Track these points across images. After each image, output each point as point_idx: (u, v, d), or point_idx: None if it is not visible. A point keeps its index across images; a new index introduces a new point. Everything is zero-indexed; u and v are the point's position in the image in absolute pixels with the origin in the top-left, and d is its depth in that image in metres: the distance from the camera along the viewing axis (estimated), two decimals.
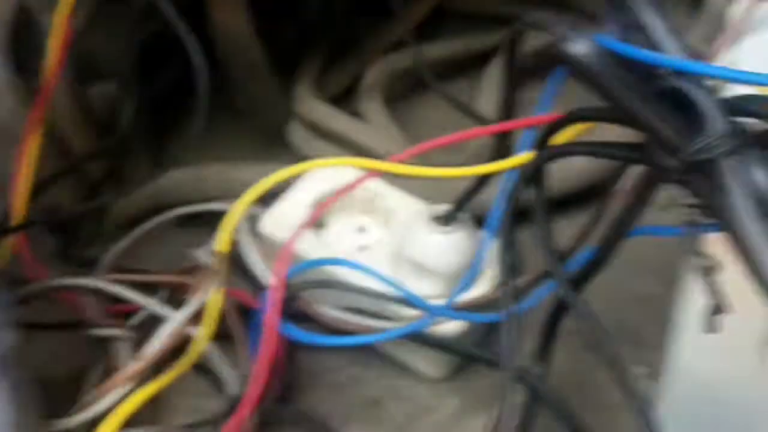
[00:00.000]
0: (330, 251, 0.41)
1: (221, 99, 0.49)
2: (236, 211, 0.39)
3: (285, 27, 0.59)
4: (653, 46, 0.23)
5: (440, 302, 0.37)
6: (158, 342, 0.35)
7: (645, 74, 0.23)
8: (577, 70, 0.22)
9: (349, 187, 0.41)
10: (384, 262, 0.41)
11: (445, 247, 0.38)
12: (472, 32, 0.68)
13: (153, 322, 0.38)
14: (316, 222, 0.43)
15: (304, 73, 0.59)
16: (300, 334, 0.35)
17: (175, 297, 0.39)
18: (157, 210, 0.50)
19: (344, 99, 0.59)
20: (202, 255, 0.40)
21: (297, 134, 0.56)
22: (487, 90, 0.60)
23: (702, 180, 0.21)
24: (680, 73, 0.22)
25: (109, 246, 0.46)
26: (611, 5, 0.24)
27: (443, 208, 0.39)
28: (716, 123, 0.21)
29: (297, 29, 0.60)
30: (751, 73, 0.21)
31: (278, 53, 0.57)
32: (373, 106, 0.57)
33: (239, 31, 0.53)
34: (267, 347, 0.33)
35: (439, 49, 0.65)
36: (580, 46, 0.22)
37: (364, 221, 0.45)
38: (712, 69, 0.21)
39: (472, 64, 0.64)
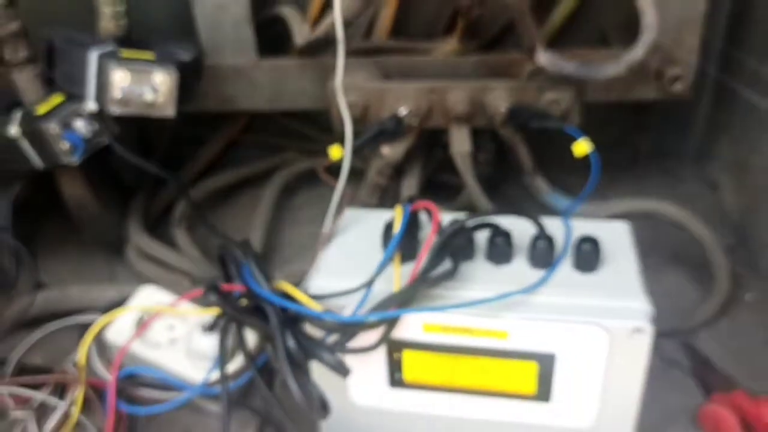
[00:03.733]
0: (152, 347, 0.71)
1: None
2: (89, 334, 0.68)
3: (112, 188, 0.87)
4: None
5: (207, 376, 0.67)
6: (54, 421, 0.64)
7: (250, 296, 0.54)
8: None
9: (166, 306, 0.71)
10: (182, 351, 0.71)
11: (208, 342, 0.68)
12: (254, 160, 1.00)
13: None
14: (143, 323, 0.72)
15: (132, 210, 0.88)
16: (127, 407, 0.65)
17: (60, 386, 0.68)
18: (36, 319, 0.77)
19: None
20: (72, 359, 0.69)
21: (131, 256, 0.85)
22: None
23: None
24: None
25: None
26: None
27: (209, 317, 0.69)
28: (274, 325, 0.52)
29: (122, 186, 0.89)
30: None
31: (114, 200, 0.86)
32: (180, 234, 0.86)
33: (80, 194, 0.81)
34: (110, 417, 0.62)
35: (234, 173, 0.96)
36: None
37: (173, 321, 0.74)
38: (271, 297, 0.53)
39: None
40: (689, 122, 0.98)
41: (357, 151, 0.76)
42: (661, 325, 0.75)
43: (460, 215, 0.60)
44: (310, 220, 0.95)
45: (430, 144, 0.84)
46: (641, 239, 0.83)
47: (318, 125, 0.98)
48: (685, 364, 0.72)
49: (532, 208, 0.83)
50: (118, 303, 0.75)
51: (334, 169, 0.75)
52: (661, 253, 0.84)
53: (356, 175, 0.84)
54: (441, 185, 0.90)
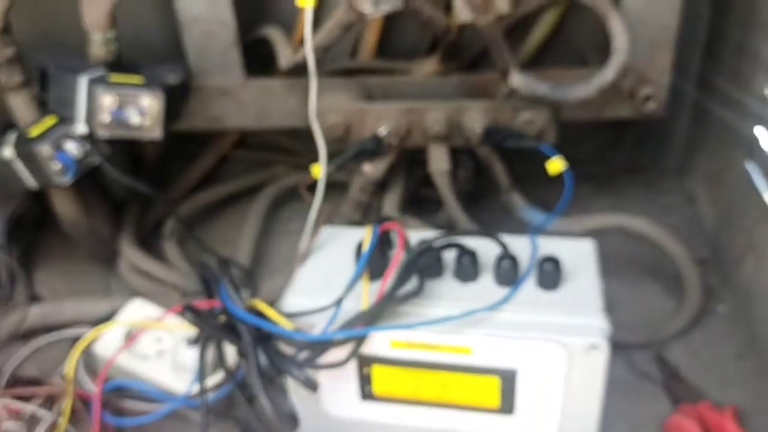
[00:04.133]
0: (140, 359, 0.74)
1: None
2: (77, 348, 0.71)
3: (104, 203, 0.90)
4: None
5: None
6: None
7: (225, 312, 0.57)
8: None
9: (153, 320, 0.73)
10: (169, 363, 0.74)
11: (192, 355, 0.71)
12: (245, 174, 1.03)
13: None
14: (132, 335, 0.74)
15: (124, 225, 0.91)
16: (113, 419, 0.68)
17: (51, 398, 0.71)
18: (31, 332, 0.80)
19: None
20: (61, 372, 0.72)
21: (123, 270, 0.88)
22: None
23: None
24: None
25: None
26: None
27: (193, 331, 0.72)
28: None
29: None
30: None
31: (106, 215, 0.90)
32: (170, 248, 0.89)
33: (72, 212, 0.84)
34: (95, 429, 0.65)
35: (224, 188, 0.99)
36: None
37: (161, 333, 0.77)
38: (244, 316, 0.56)
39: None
40: (670, 137, 1.00)
41: (338, 170, 0.79)
42: (634, 337, 0.78)
43: (430, 234, 0.62)
44: (298, 231, 0.96)
45: (412, 161, 0.87)
46: (619, 253, 0.86)
47: (307, 140, 1.00)
48: (656, 375, 0.74)
49: (509, 224, 0.85)
50: (110, 316, 0.78)
51: (313, 185, 0.78)
52: (639, 266, 0.86)
53: (341, 189, 0.87)
54: (424, 200, 0.92)
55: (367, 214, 0.85)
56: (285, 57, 0.82)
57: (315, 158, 0.80)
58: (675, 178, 1.03)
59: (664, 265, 0.82)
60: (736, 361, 0.75)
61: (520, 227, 0.84)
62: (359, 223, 0.84)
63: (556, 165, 0.73)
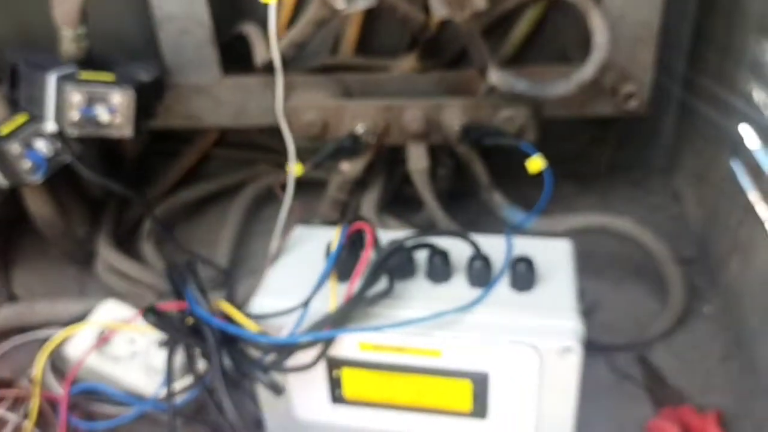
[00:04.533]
0: (112, 361, 0.72)
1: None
2: (45, 349, 0.69)
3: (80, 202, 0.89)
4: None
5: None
6: None
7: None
8: None
9: (125, 322, 0.72)
10: (141, 364, 0.72)
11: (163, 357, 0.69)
12: (225, 173, 1.01)
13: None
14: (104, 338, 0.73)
15: (102, 224, 0.89)
16: (81, 422, 0.66)
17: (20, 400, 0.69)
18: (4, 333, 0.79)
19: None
20: (30, 374, 0.70)
21: (100, 270, 0.87)
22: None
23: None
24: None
25: None
26: None
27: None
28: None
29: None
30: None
31: (82, 215, 0.88)
32: (147, 248, 0.88)
33: (46, 211, 0.82)
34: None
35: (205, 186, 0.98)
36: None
37: (135, 335, 0.76)
38: (208, 318, 0.54)
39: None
40: (656, 136, 0.99)
41: (315, 168, 0.77)
42: (617, 339, 0.76)
43: (402, 234, 0.61)
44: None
45: (392, 159, 0.85)
46: (603, 252, 0.85)
47: None
48: (638, 377, 0.73)
49: (491, 223, 0.84)
50: (83, 317, 0.76)
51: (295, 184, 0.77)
52: (623, 266, 0.85)
53: (320, 187, 0.86)
54: (407, 199, 0.91)
55: (345, 213, 0.83)
56: (260, 54, 0.80)
57: (298, 154, 0.78)
58: (661, 176, 1.01)
59: (648, 265, 0.81)
60: (720, 364, 0.74)
61: (502, 226, 0.83)
62: (337, 222, 0.82)
63: (536, 163, 0.72)
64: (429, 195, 0.79)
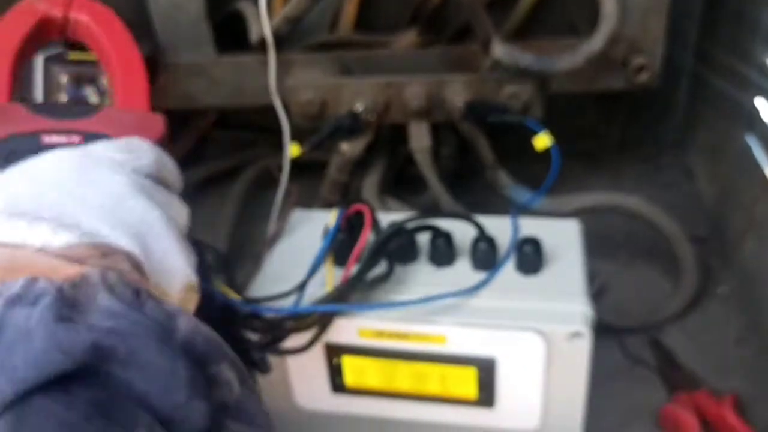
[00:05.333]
0: None
1: None
2: None
3: None
4: None
5: None
6: None
7: None
8: None
9: None
10: None
11: None
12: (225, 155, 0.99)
13: None
14: None
15: None
16: None
17: None
18: None
19: None
20: None
21: None
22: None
23: None
24: None
25: None
26: None
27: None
28: None
29: None
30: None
31: None
32: None
33: None
34: None
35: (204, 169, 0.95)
36: None
37: None
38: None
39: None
40: (668, 110, 0.96)
41: (314, 149, 0.75)
42: (629, 321, 0.74)
43: (403, 215, 0.58)
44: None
45: (395, 139, 0.83)
46: (614, 232, 0.82)
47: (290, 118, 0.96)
48: (650, 361, 0.71)
49: (497, 203, 0.81)
50: None
51: (295, 165, 0.75)
52: (634, 246, 0.82)
53: (321, 168, 0.83)
54: (410, 179, 0.88)
55: (346, 194, 0.81)
56: (255, 31, 0.78)
57: (297, 137, 0.76)
58: (674, 152, 0.98)
59: (660, 245, 0.78)
60: (735, 346, 0.71)
61: (508, 207, 0.80)
62: (338, 204, 0.80)
63: (542, 140, 0.69)
64: (432, 175, 0.77)
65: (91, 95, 0.68)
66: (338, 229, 0.53)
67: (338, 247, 0.55)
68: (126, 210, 0.36)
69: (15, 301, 0.28)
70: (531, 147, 0.69)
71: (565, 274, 0.55)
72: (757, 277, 0.72)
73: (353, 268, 0.52)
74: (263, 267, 0.59)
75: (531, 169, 0.78)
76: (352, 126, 0.75)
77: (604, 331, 0.53)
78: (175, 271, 0.37)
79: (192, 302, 0.39)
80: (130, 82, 0.54)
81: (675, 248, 0.74)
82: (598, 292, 0.76)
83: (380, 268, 0.54)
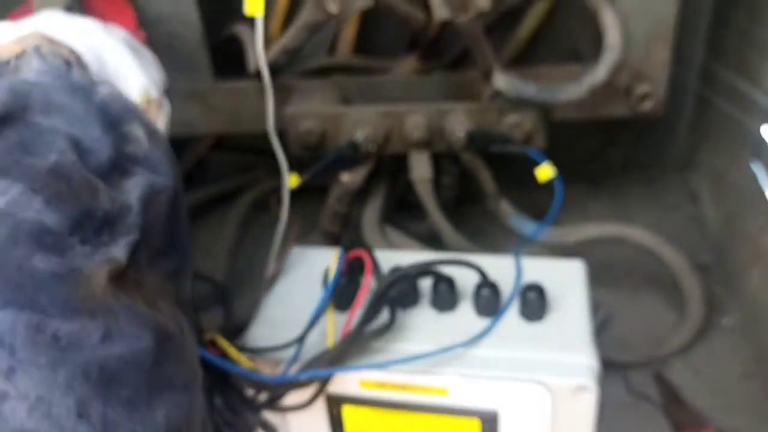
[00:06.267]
0: None
1: None
2: None
3: None
4: None
5: None
6: None
7: None
8: None
9: None
10: None
11: None
12: (223, 178, 0.98)
13: None
14: None
15: None
16: None
17: None
18: None
19: None
20: None
21: None
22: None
23: None
24: None
25: None
26: None
27: None
28: None
29: None
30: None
31: None
32: None
33: None
34: None
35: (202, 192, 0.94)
36: None
37: None
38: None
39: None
40: (672, 132, 0.94)
41: (313, 178, 0.74)
42: (633, 355, 0.73)
43: (404, 256, 0.57)
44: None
45: (395, 167, 0.81)
46: (616, 259, 0.81)
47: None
48: (655, 397, 0.70)
49: (498, 231, 0.80)
50: None
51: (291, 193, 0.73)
52: (637, 275, 0.81)
53: (321, 193, 0.82)
54: (411, 205, 0.87)
55: (346, 224, 0.79)
56: (253, 60, 0.76)
57: (295, 161, 0.74)
58: (677, 174, 0.97)
59: (663, 273, 0.77)
60: (742, 382, 0.70)
61: (509, 235, 0.79)
62: (338, 235, 0.79)
63: (545, 172, 0.68)
64: (433, 206, 0.75)
65: None
66: (339, 278, 0.52)
67: (338, 290, 0.54)
68: (90, 32, 0.45)
69: None
70: (531, 172, 0.68)
71: (571, 322, 0.54)
72: (763, 310, 0.71)
73: (354, 319, 0.51)
74: (261, 311, 0.58)
75: (532, 195, 0.77)
76: (352, 156, 0.74)
77: (607, 366, 0.52)
78: (130, 80, 0.46)
79: (152, 113, 0.48)
80: None
81: (680, 281, 0.73)
82: (601, 325, 0.75)
83: (381, 316, 0.53)
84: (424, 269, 0.55)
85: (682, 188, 0.95)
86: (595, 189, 0.94)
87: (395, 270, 0.55)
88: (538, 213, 0.84)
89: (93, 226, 0.32)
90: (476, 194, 0.81)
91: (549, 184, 0.67)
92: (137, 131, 0.38)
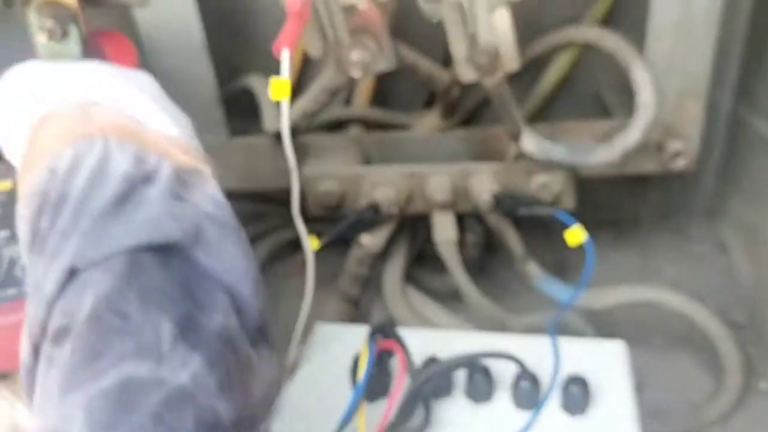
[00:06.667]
0: None
1: None
2: None
3: None
4: None
5: None
6: None
7: None
8: None
9: None
10: None
11: None
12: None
13: None
14: None
15: None
16: None
17: None
18: None
19: None
20: None
21: None
22: None
23: None
24: None
25: None
26: None
27: None
28: None
29: None
30: None
31: None
32: None
33: None
34: None
35: None
36: None
37: None
38: None
39: None
40: (697, 176, 0.91)
41: (332, 242, 0.71)
42: (670, 425, 0.70)
43: (438, 336, 0.54)
44: (296, 292, 0.89)
45: (414, 224, 0.79)
46: (647, 318, 0.78)
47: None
48: None
49: (524, 292, 0.77)
50: None
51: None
52: (669, 334, 0.78)
53: (344, 246, 0.79)
54: (432, 257, 0.84)
55: (366, 287, 0.76)
56: (269, 120, 0.74)
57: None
58: (705, 222, 0.94)
59: (696, 333, 0.74)
60: None
61: (537, 296, 0.76)
62: (357, 298, 0.76)
63: (575, 236, 0.65)
64: (458, 268, 0.73)
65: None
66: (370, 374, 0.49)
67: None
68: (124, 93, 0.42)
69: (144, 178, 0.34)
70: (559, 229, 0.65)
71: (615, 415, 0.51)
72: None
73: (389, 417, 0.48)
74: (285, 401, 0.55)
75: (557, 247, 0.74)
76: (373, 219, 0.71)
77: None
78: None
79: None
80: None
81: (717, 346, 0.70)
82: (635, 390, 0.72)
83: (416, 414, 0.50)
84: (461, 362, 0.52)
85: (709, 237, 0.92)
86: (621, 237, 0.91)
87: (429, 362, 0.52)
88: (564, 265, 0.82)
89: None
90: (501, 252, 0.79)
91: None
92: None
